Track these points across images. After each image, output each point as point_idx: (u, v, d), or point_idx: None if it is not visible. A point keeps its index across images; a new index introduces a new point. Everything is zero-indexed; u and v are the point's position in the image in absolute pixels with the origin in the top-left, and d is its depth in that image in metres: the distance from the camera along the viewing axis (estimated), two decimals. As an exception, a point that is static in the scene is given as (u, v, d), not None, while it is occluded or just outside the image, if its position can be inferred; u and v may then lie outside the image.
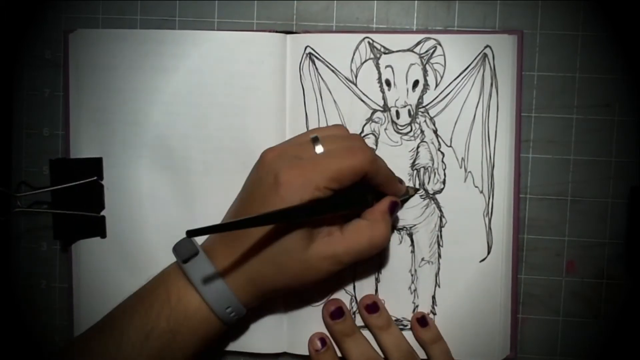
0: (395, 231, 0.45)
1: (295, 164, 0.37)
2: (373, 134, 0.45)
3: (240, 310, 0.39)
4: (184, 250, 0.38)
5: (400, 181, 0.43)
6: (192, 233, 0.33)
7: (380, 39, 0.44)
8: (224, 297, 0.37)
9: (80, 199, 0.45)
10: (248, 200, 0.38)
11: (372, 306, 0.44)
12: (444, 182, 0.44)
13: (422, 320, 0.44)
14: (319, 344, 0.44)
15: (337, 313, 0.44)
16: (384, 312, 0.44)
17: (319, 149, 0.38)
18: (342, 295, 0.45)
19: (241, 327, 0.45)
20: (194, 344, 0.38)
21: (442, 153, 0.44)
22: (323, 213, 0.37)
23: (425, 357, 0.44)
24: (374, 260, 0.45)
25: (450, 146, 0.44)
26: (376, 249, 0.39)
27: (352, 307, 0.45)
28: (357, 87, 0.44)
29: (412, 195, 0.45)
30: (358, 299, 0.45)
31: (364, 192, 0.40)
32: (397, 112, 0.44)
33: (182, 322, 0.37)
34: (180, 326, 0.37)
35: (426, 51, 0.44)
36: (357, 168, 0.37)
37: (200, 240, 0.39)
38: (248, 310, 0.40)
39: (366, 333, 0.45)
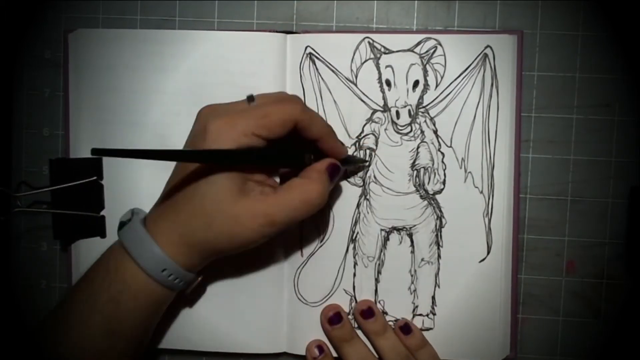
0: (395, 231, 0.45)
1: (225, 114, 0.36)
2: (373, 134, 0.45)
3: (180, 273, 0.37)
4: (123, 219, 0.38)
5: (342, 143, 0.42)
6: (96, 151, 0.32)
7: (381, 39, 0.44)
8: (157, 259, 0.36)
9: (80, 199, 0.45)
10: None
11: (368, 312, 0.44)
12: (444, 183, 0.44)
13: (405, 328, 0.44)
14: (316, 351, 0.44)
15: (335, 318, 0.44)
16: (379, 317, 0.44)
17: (253, 104, 0.37)
18: (342, 295, 0.45)
19: (241, 327, 0.45)
20: (138, 312, 0.38)
21: (442, 153, 0.44)
22: (252, 162, 0.36)
23: None
24: (373, 261, 0.45)
25: (451, 146, 0.44)
26: (310, 207, 0.37)
27: (351, 307, 0.45)
28: (357, 87, 0.44)
29: (361, 166, 0.44)
30: (358, 299, 0.45)
31: (302, 151, 0.38)
32: (397, 112, 0.44)
33: (122, 290, 0.37)
34: (121, 294, 0.37)
35: (426, 51, 0.44)
36: (286, 114, 0.36)
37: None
38: (200, 277, 0.40)
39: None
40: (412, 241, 0.45)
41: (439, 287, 0.45)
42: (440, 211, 0.44)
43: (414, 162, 0.45)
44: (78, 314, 0.37)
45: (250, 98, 0.37)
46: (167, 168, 0.45)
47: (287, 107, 0.36)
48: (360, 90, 0.44)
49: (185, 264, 0.37)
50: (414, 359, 0.43)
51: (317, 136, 0.38)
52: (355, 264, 0.45)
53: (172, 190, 0.37)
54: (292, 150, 0.38)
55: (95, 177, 0.45)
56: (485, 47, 0.43)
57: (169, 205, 0.37)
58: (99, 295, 0.37)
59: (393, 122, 0.45)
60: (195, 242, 0.37)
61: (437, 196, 0.44)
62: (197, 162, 0.36)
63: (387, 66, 0.44)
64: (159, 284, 0.37)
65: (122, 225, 0.38)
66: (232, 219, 0.35)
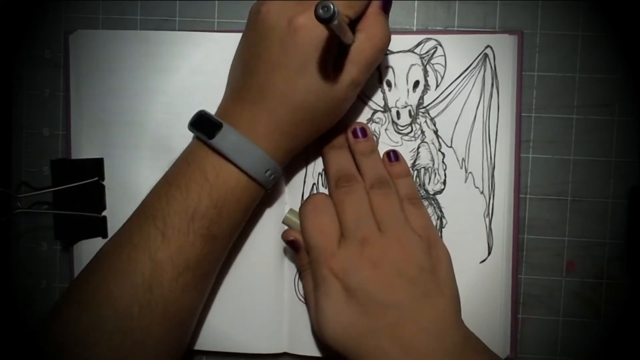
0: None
1: (303, 7, 0.35)
2: (373, 135, 0.45)
3: (277, 170, 0.39)
4: (206, 127, 0.37)
5: None
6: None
7: (381, 39, 0.44)
8: (262, 162, 0.38)
9: (82, 200, 0.45)
10: (257, 57, 0.37)
11: (361, 131, 0.43)
12: (444, 183, 0.44)
13: (392, 155, 0.43)
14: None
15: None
16: (370, 140, 0.43)
17: None
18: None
19: (241, 327, 0.45)
20: (239, 214, 0.39)
21: (442, 154, 0.44)
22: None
23: None
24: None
25: (451, 147, 0.44)
26: (382, 52, 0.38)
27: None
28: (357, 88, 0.44)
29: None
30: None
31: None
32: (398, 113, 0.44)
33: (224, 197, 0.37)
34: (225, 201, 0.37)
35: (427, 52, 0.44)
36: None
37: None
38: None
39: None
40: (412, 241, 0.45)
41: (439, 287, 0.45)
42: (441, 211, 0.44)
43: (415, 162, 0.45)
44: (177, 223, 0.37)
45: None
46: (167, 168, 0.45)
47: None
48: (361, 91, 0.44)
49: (281, 161, 0.39)
50: (393, 184, 0.42)
51: None
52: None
53: (258, 89, 0.37)
54: None
55: (96, 178, 0.45)
56: (486, 47, 0.44)
57: (258, 106, 0.37)
58: (199, 203, 0.37)
59: (393, 123, 0.45)
60: (297, 136, 0.38)
61: (438, 196, 0.44)
62: None
63: (387, 67, 0.44)
64: (258, 184, 0.39)
65: (196, 128, 0.38)
66: (333, 101, 0.38)
